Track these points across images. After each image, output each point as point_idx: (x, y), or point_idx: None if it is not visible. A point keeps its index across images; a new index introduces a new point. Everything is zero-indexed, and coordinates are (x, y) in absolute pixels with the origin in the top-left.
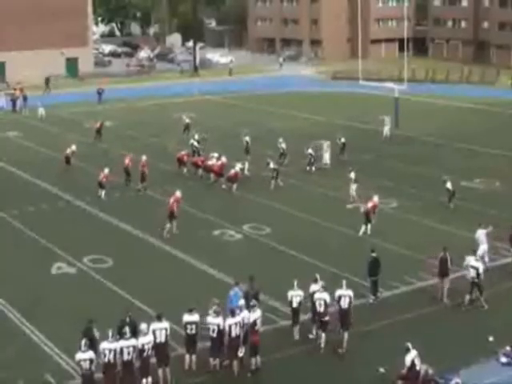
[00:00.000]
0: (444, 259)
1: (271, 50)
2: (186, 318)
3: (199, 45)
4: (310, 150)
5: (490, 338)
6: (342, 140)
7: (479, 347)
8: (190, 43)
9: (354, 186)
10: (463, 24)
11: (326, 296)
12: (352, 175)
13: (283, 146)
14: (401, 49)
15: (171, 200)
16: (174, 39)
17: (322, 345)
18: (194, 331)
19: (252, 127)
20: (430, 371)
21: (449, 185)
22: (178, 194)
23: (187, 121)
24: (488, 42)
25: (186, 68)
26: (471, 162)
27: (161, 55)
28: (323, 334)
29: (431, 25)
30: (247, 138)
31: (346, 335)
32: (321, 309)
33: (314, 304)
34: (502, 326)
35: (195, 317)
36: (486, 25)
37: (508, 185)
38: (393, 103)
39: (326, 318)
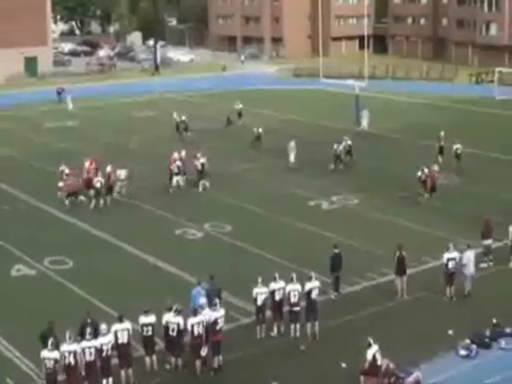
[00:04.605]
0: (401, 257)
1: (232, 48)
2: (142, 319)
3: (160, 43)
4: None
5: (450, 332)
6: (349, 142)
7: (439, 341)
8: (151, 42)
9: None
10: (422, 21)
11: (299, 287)
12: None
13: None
14: (361, 46)
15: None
16: (135, 38)
17: (298, 334)
18: (150, 333)
19: (220, 125)
20: (391, 365)
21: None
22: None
23: (239, 106)
24: (447, 39)
25: (147, 67)
26: (431, 157)
27: (121, 54)
28: (297, 325)
29: (391, 22)
30: (260, 130)
31: (317, 324)
32: (295, 299)
33: (274, 301)
34: (460, 319)
35: (151, 318)
36: (444, 22)
37: (467, 180)
38: (354, 100)
39: (298, 309)
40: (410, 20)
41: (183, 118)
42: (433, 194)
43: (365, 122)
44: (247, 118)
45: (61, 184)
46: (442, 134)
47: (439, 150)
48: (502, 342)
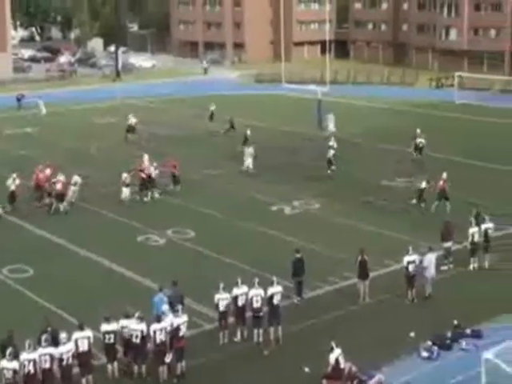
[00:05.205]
0: (363, 261)
1: (194, 54)
2: (104, 327)
3: (122, 49)
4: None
5: (411, 334)
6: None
7: (401, 343)
8: (112, 48)
9: None
10: (383, 27)
11: (261, 292)
12: None
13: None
14: (323, 51)
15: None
16: (96, 43)
17: (261, 339)
18: (112, 340)
19: (184, 131)
20: (354, 368)
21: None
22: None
23: (213, 108)
24: (407, 44)
25: (108, 73)
26: (393, 161)
27: (82, 60)
28: (260, 330)
29: (352, 27)
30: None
31: (279, 329)
32: (257, 305)
33: (237, 306)
34: (422, 321)
35: (113, 326)
36: (405, 27)
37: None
38: (316, 105)
39: (261, 314)
40: (370, 25)
41: (133, 120)
42: (446, 201)
43: (331, 126)
44: (211, 124)
45: None
46: (419, 131)
47: (414, 147)
48: (463, 343)
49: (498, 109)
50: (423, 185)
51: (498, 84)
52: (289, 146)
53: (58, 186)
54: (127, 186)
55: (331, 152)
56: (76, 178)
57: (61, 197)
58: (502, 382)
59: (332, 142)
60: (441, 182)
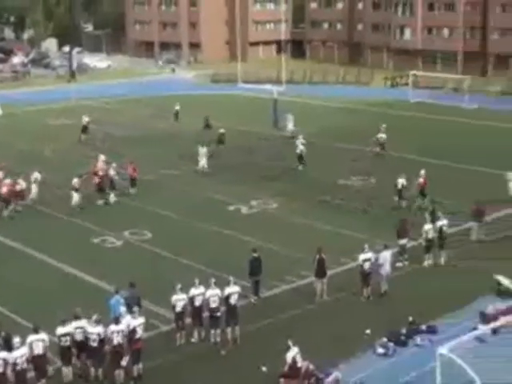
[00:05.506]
0: (320, 260)
1: (150, 54)
2: (60, 330)
3: (76, 49)
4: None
5: (367, 331)
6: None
7: (357, 340)
8: (67, 48)
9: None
10: (339, 26)
11: (218, 292)
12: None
13: None
14: (279, 51)
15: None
16: (50, 44)
17: (218, 339)
18: (68, 343)
19: (140, 131)
20: (311, 367)
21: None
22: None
23: (177, 108)
24: (362, 44)
25: (62, 73)
26: (348, 160)
27: (36, 60)
28: (217, 331)
29: (308, 27)
30: (222, 130)
31: (237, 329)
32: (214, 305)
33: (194, 307)
34: (378, 318)
35: (68, 328)
36: (360, 27)
37: (382, 181)
38: (272, 105)
39: (218, 314)
40: (326, 25)
41: (86, 120)
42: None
43: (290, 125)
44: (176, 124)
45: None
46: (383, 127)
47: (376, 142)
48: (418, 339)
49: (450, 107)
50: (402, 182)
51: (451, 83)
52: (245, 146)
53: (4, 190)
54: (76, 190)
55: (300, 148)
56: (36, 175)
57: (6, 202)
58: (456, 376)
59: (300, 139)
60: (421, 180)
